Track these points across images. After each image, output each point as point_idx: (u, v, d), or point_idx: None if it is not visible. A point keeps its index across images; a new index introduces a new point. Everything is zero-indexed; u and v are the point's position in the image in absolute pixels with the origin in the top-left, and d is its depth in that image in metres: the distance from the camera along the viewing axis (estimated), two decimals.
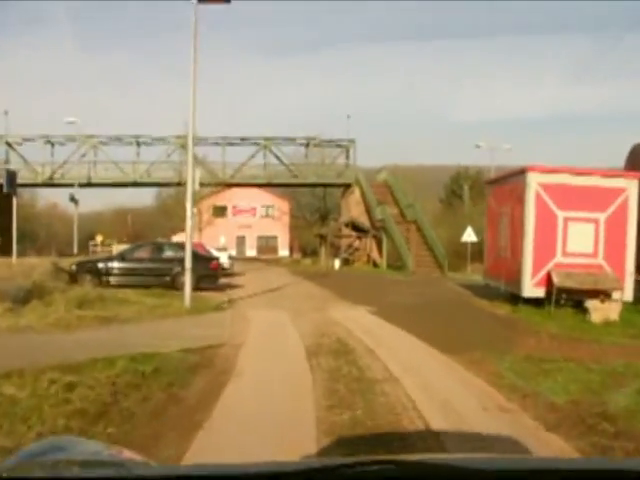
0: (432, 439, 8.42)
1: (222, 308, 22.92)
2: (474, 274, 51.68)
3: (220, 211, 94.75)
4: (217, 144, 66.71)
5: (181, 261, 28.41)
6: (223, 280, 36.81)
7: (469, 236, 51.58)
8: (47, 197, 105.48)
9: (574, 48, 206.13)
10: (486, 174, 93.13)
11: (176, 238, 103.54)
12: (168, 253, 30.71)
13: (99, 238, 54.66)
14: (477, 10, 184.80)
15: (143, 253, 30.83)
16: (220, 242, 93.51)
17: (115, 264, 30.39)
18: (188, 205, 22.70)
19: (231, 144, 67.01)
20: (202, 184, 62.25)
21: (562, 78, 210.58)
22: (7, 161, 65.95)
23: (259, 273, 49.52)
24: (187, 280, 21.94)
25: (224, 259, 44.17)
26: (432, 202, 78.61)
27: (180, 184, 62.06)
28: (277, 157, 66.90)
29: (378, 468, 1.54)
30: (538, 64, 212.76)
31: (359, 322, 20.20)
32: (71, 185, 66.28)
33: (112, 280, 29.93)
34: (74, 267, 30.57)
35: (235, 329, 17.68)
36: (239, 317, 20.37)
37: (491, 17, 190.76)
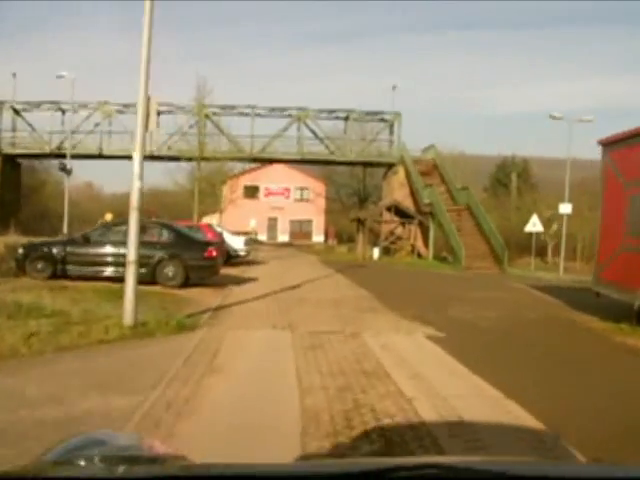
0: None
1: (193, 327, 13.72)
2: (538, 271, 42.72)
3: (251, 192, 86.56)
4: (244, 114, 58.08)
5: (167, 246, 22.22)
6: (234, 271, 28.56)
7: (534, 226, 42.61)
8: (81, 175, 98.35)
9: (620, 40, 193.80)
10: (533, 163, 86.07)
11: (206, 220, 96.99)
12: (149, 236, 21.67)
13: (108, 216, 45.93)
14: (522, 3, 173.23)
15: (114, 235, 21.99)
16: (250, 225, 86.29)
17: (75, 249, 21.83)
18: (135, 161, 13.67)
19: (260, 115, 58.34)
20: (227, 158, 54.75)
21: (608, 69, 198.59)
22: (14, 128, 58.01)
23: (284, 262, 40.80)
24: (128, 278, 12.99)
25: (238, 245, 35.58)
26: (476, 192, 69.74)
27: (203, 159, 54.11)
28: (312, 131, 58.27)
29: (422, 472, 1.46)
30: (583, 56, 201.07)
31: (420, 369, 10.73)
32: (83, 156, 58.29)
33: (70, 270, 21.52)
34: (21, 251, 22.11)
35: (173, 397, 8.29)
36: (207, 353, 11.25)
37: (534, 9, 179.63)
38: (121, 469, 1.76)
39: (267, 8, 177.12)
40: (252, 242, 38.53)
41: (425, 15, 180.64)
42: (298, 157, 58.04)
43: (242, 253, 36.13)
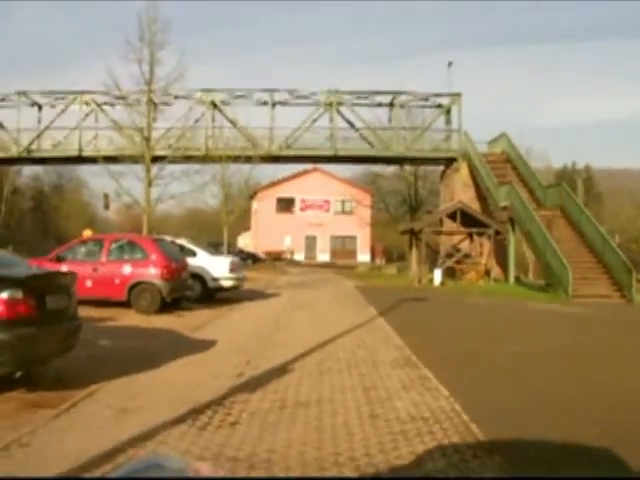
0: None
1: None
2: None
3: (285, 205, 72.86)
4: (261, 102, 44.03)
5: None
6: (190, 322, 14.89)
7: None
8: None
9: None
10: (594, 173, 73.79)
11: (241, 241, 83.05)
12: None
13: (87, 233, 32.29)
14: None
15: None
16: (285, 243, 72.40)
17: None
18: None
19: (281, 103, 44.27)
20: (241, 157, 40.46)
21: None
22: None
23: (303, 295, 26.75)
24: None
25: (220, 270, 21.69)
26: None
27: (207, 158, 40.21)
28: (348, 121, 43.93)
29: None
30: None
31: None
32: (56, 159, 44.93)
33: None
34: None
35: None
36: None
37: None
38: None
39: None
40: (242, 266, 24.13)
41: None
42: (330, 154, 43.55)
43: (227, 284, 21.87)
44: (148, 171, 30.83)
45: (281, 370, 10.42)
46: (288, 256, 67.87)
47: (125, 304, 17.98)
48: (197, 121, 43.31)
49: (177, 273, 18.48)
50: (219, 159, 38.54)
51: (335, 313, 19.86)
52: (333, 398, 8.64)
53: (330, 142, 43.35)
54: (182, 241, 22.74)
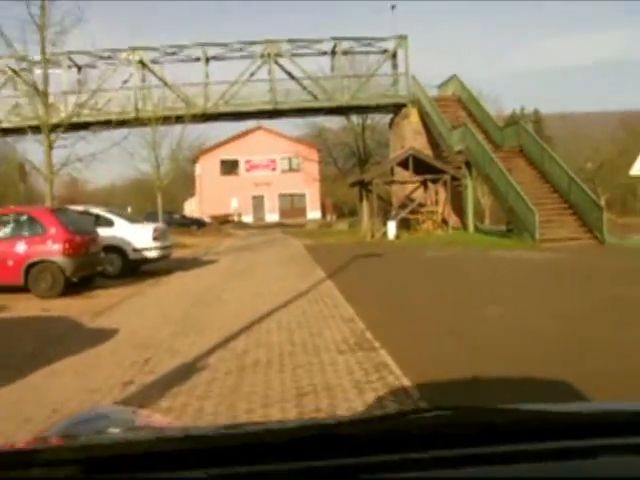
0: None
1: None
2: None
3: (230, 167, 69.53)
4: (193, 59, 40.66)
5: None
6: (100, 302, 12.17)
7: None
8: None
9: None
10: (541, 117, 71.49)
11: (188, 207, 79.46)
12: None
13: None
14: None
15: None
16: (232, 206, 69.04)
17: None
18: None
19: (216, 58, 40.94)
20: (176, 117, 36.69)
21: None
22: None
23: (244, 259, 24.05)
24: None
25: (143, 240, 18.66)
26: None
27: (138, 121, 36.65)
28: (287, 72, 40.67)
29: (434, 415, 1.34)
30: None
31: None
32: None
33: None
34: None
35: None
36: None
37: None
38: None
39: None
40: (167, 233, 20.90)
41: None
42: (270, 107, 40.31)
43: (152, 254, 18.83)
44: (47, 136, 26.96)
45: (187, 371, 7.52)
46: (235, 219, 64.69)
47: (24, 289, 14.91)
48: (126, 82, 39.94)
49: (84, 247, 15.34)
50: (149, 121, 35.05)
51: (277, 279, 16.99)
52: (251, 417, 5.80)
53: (270, 96, 40.17)
54: (97, 210, 19.58)
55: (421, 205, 34.83)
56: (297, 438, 1.30)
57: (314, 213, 66.88)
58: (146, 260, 18.84)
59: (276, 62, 40.37)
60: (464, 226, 33.96)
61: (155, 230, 19.10)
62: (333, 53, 41.68)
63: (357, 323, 10.25)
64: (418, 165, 33.07)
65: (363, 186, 36.04)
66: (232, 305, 12.75)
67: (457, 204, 34.71)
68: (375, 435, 1.30)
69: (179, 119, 35.26)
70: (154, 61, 40.35)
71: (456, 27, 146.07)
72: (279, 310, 11.71)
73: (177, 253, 25.04)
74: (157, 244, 18.91)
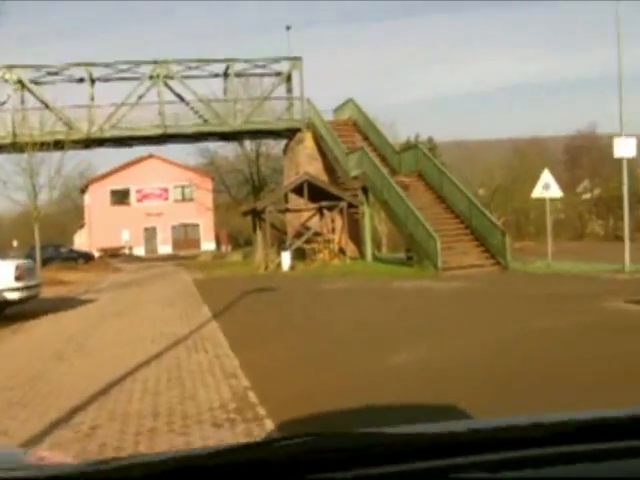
0: None
1: None
2: (557, 261, 24.56)
3: (120, 197, 66.65)
4: (77, 80, 38.27)
5: None
6: None
7: (548, 188, 24.35)
8: None
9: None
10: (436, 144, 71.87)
11: (78, 239, 75.72)
12: None
13: None
14: None
15: None
16: (123, 238, 65.91)
17: None
18: None
19: (100, 79, 38.66)
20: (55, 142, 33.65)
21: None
22: None
23: (125, 298, 21.84)
24: None
25: (4, 280, 16.24)
26: None
27: (15, 145, 33.99)
28: (176, 94, 38.71)
29: (301, 441, 1.27)
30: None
31: None
32: None
33: None
34: None
35: None
36: None
37: None
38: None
39: None
40: (34, 271, 18.37)
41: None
42: (159, 132, 38.11)
43: (14, 296, 16.39)
44: None
45: None
46: (127, 251, 61.71)
47: None
48: (2, 104, 37.20)
49: None
50: (26, 146, 32.41)
51: (155, 321, 14.94)
52: None
53: (159, 120, 38.00)
54: None
55: (317, 234, 33.15)
56: (170, 470, 1.21)
57: (208, 244, 64.49)
58: (6, 302, 16.37)
59: (165, 84, 38.32)
60: (362, 255, 32.51)
61: (17, 268, 16.60)
62: (226, 75, 39.90)
63: (240, 379, 8.36)
64: (313, 192, 31.43)
65: (256, 215, 34.12)
66: (94, 359, 10.63)
67: (354, 232, 33.24)
68: (240, 464, 1.23)
69: (58, 144, 32.76)
70: (34, 81, 37.69)
71: (352, 52, 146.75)
72: (149, 364, 9.68)
73: (53, 291, 22.64)
74: (20, 284, 16.44)
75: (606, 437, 1.29)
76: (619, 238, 52.77)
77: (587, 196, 63.59)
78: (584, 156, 65.16)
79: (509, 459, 1.23)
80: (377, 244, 44.45)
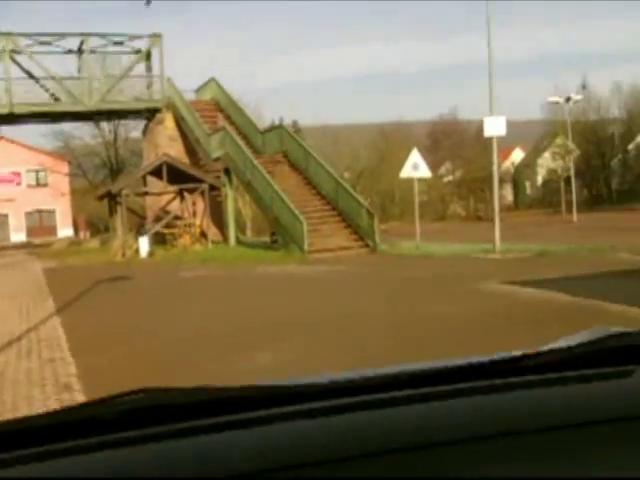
0: None
1: None
2: (428, 242, 24.02)
3: None
4: None
5: None
6: None
7: (416, 169, 23.69)
8: None
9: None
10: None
11: None
12: None
13: None
14: None
15: None
16: None
17: None
18: None
19: None
20: None
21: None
22: None
23: None
24: None
25: None
26: None
27: None
28: (25, 70, 36.01)
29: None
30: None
31: None
32: None
33: None
34: None
35: None
36: None
37: None
38: None
39: None
40: None
41: None
42: (5, 111, 35.25)
43: None
44: None
45: None
46: None
47: None
48: None
49: None
50: None
51: None
52: None
53: (6, 98, 35.19)
54: None
55: (178, 218, 31.48)
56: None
57: (66, 230, 61.12)
58: None
59: (13, 59, 35.52)
60: (225, 239, 31.13)
61: None
62: (80, 51, 37.42)
63: (74, 394, 6.91)
64: (173, 174, 29.75)
65: (112, 198, 32.06)
66: None
67: (217, 215, 31.83)
68: (74, 422, 1.20)
69: None
70: None
71: (217, 33, 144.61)
72: None
73: None
74: None
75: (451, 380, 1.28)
76: (480, 218, 54.22)
77: (449, 178, 64.64)
78: (446, 140, 65.97)
79: (336, 405, 1.20)
80: (242, 228, 43.29)
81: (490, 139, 21.16)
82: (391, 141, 56.87)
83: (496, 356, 1.40)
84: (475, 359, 1.36)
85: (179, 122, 35.24)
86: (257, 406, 1.22)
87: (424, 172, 23.86)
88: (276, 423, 1.20)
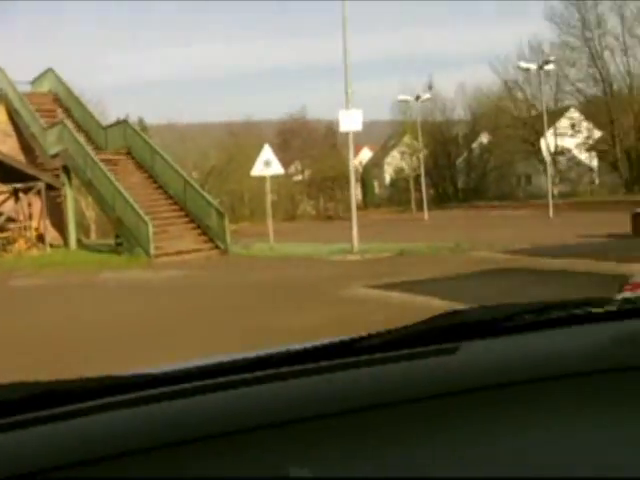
0: None
1: None
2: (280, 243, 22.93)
3: None
4: None
5: None
6: None
7: (269, 165, 22.58)
8: None
9: None
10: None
11: None
12: None
13: None
14: None
15: None
16: None
17: None
18: None
19: None
20: None
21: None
22: None
23: None
24: None
25: None
26: None
27: None
28: None
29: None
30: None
31: None
32: None
33: None
34: None
35: None
36: None
37: None
38: None
39: None
40: None
41: None
42: None
43: None
44: None
45: None
46: None
47: None
48: None
49: None
50: None
51: None
52: None
53: None
54: None
55: (12, 220, 28.96)
56: None
57: None
58: None
59: None
60: (66, 242, 28.93)
61: None
62: None
63: None
64: (5, 172, 27.27)
65: None
66: None
67: (57, 217, 29.54)
68: None
69: None
70: None
71: (59, 24, 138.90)
72: None
73: None
74: None
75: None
76: (330, 217, 53.97)
77: (299, 177, 64.09)
78: (295, 139, 65.38)
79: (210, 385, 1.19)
80: (85, 230, 40.95)
81: (343, 135, 20.42)
82: (240, 140, 55.78)
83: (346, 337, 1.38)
84: (321, 342, 1.33)
85: (13, 116, 32.59)
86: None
87: (276, 169, 22.80)
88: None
